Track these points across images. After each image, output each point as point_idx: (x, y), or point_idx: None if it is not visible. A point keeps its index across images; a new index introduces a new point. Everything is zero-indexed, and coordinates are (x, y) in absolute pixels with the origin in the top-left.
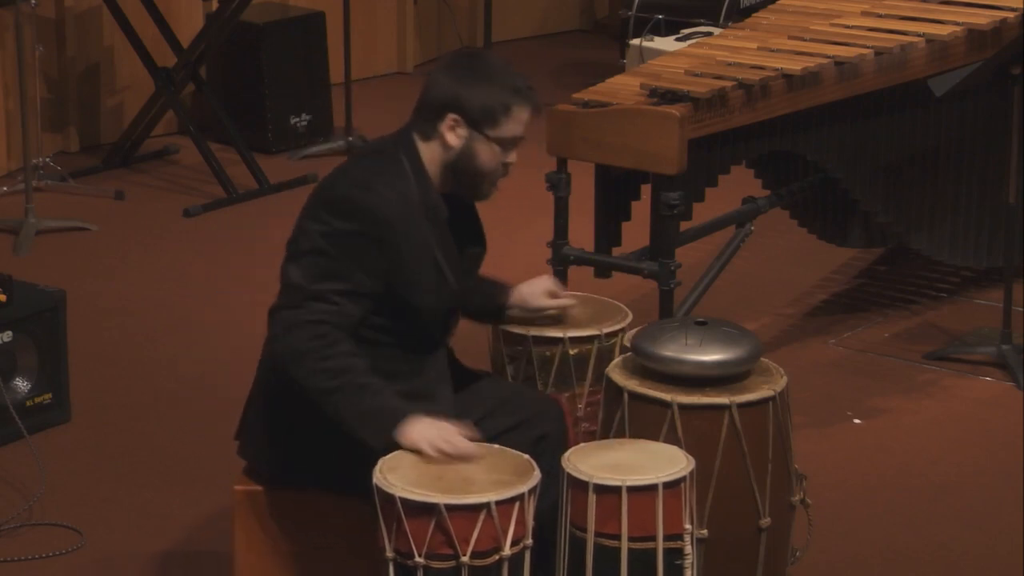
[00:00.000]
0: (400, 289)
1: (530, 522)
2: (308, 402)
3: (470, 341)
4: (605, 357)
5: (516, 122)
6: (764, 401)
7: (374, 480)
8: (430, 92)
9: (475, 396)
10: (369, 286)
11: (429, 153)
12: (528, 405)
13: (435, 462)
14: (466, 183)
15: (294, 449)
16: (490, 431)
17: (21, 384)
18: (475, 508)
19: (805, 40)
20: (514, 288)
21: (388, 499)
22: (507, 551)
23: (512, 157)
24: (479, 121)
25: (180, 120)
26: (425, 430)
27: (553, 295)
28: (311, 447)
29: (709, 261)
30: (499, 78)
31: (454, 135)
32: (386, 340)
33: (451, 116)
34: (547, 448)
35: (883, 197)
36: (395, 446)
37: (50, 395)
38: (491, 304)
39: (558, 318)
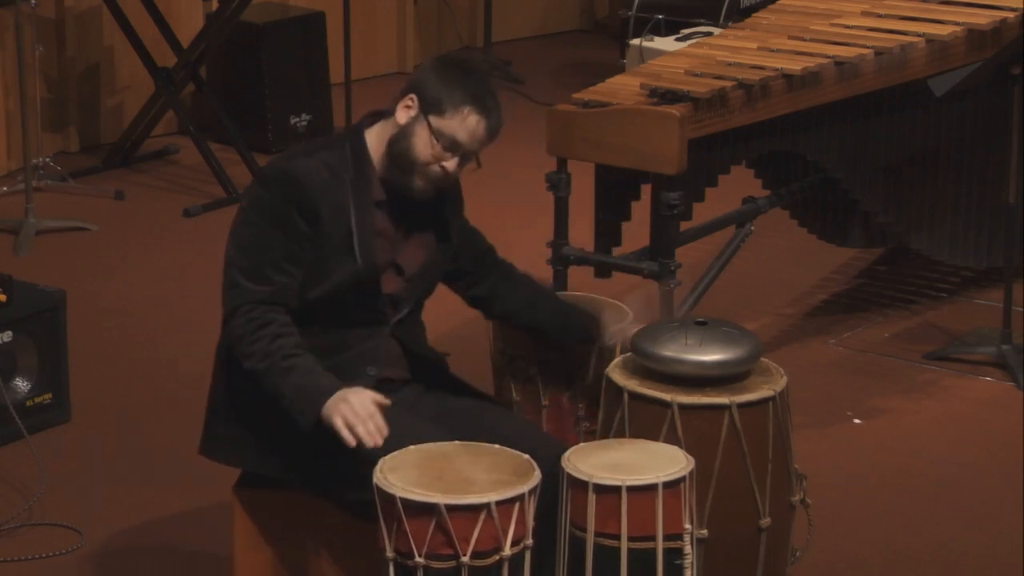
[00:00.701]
0: (314, 251)
1: (530, 522)
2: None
3: (470, 341)
4: (606, 356)
5: (461, 124)
6: (764, 401)
7: (374, 480)
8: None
9: (480, 427)
10: (296, 250)
11: (381, 133)
12: (531, 444)
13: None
14: (398, 165)
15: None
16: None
17: (21, 384)
18: (475, 508)
19: (805, 40)
20: (604, 325)
21: (388, 499)
22: (507, 551)
23: (451, 164)
24: (428, 105)
25: (180, 120)
26: (337, 407)
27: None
28: (256, 435)
29: (709, 261)
30: (471, 81)
31: (404, 113)
32: (305, 316)
33: (409, 95)
34: (543, 487)
35: (883, 197)
36: (321, 425)
37: (50, 395)
38: (575, 338)
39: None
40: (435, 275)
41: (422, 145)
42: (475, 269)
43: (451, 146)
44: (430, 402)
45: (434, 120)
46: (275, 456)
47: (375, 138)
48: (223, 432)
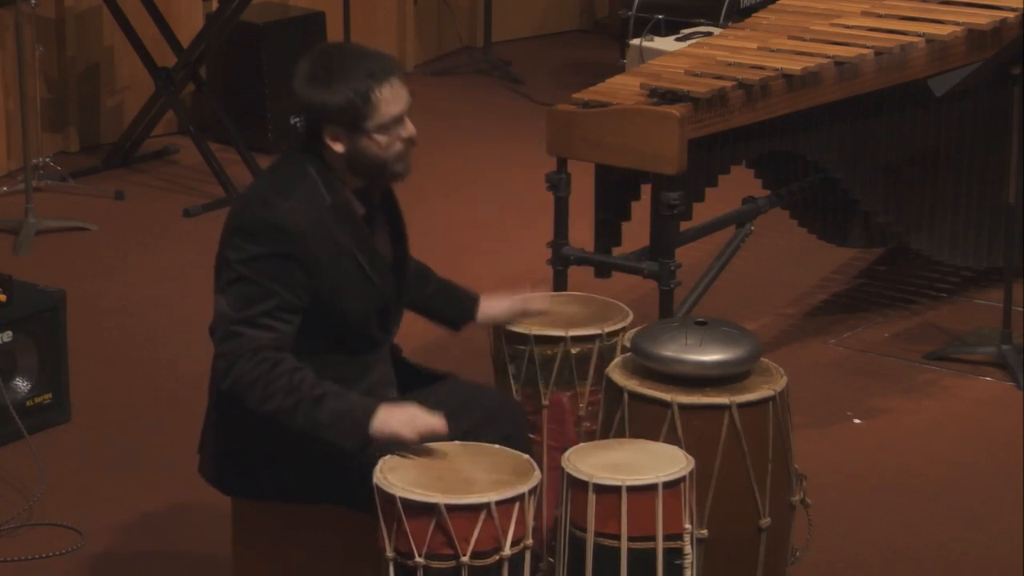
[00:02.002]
0: (325, 296)
1: (530, 522)
2: (257, 423)
3: (470, 341)
4: (606, 356)
5: (387, 103)
6: (764, 401)
7: (374, 480)
8: (301, 109)
9: (435, 397)
10: (296, 302)
11: (330, 158)
12: (489, 405)
13: (421, 455)
14: (373, 176)
15: (249, 466)
16: (452, 432)
17: (21, 384)
18: (475, 508)
19: (805, 40)
20: (481, 303)
21: (388, 499)
22: (507, 551)
23: (407, 130)
24: (350, 122)
25: (180, 120)
26: (399, 416)
27: (520, 313)
28: (266, 464)
29: (709, 261)
30: (352, 70)
31: (338, 143)
32: (323, 347)
33: (326, 128)
34: (511, 447)
35: (883, 197)
36: (370, 442)
37: (50, 395)
38: (453, 316)
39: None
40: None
41: (377, 148)
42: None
43: (397, 123)
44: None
45: (367, 124)
46: (278, 480)
47: (331, 163)
48: (223, 463)
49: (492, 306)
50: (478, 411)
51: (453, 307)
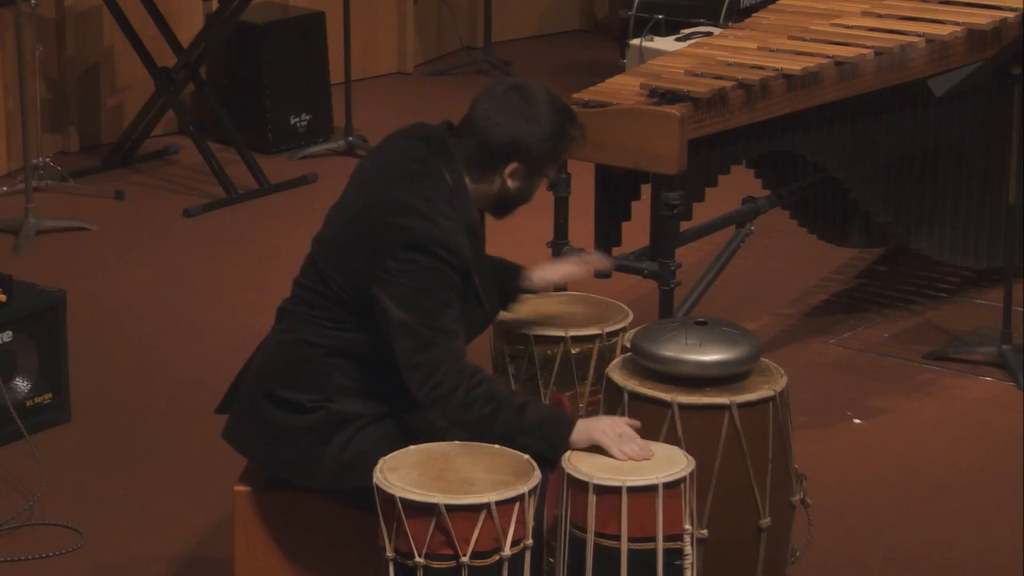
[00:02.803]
0: (472, 312)
1: (530, 522)
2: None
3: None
4: (606, 356)
5: (570, 146)
6: (764, 401)
7: (374, 480)
8: (489, 135)
9: None
10: (458, 310)
11: (477, 185)
12: None
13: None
14: (506, 211)
15: (282, 448)
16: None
17: (21, 384)
18: (475, 508)
19: (805, 40)
20: (533, 271)
21: (388, 499)
22: (507, 551)
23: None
24: (539, 164)
25: (180, 120)
26: (601, 424)
27: (583, 271)
28: (296, 449)
29: (709, 261)
30: (548, 112)
31: (513, 180)
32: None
33: (515, 164)
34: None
35: (883, 197)
36: (567, 448)
37: (50, 395)
38: (507, 287)
39: (559, 318)
40: None
41: (535, 188)
42: None
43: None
44: None
45: (549, 169)
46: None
47: (471, 186)
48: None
49: (548, 270)
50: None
51: (499, 280)
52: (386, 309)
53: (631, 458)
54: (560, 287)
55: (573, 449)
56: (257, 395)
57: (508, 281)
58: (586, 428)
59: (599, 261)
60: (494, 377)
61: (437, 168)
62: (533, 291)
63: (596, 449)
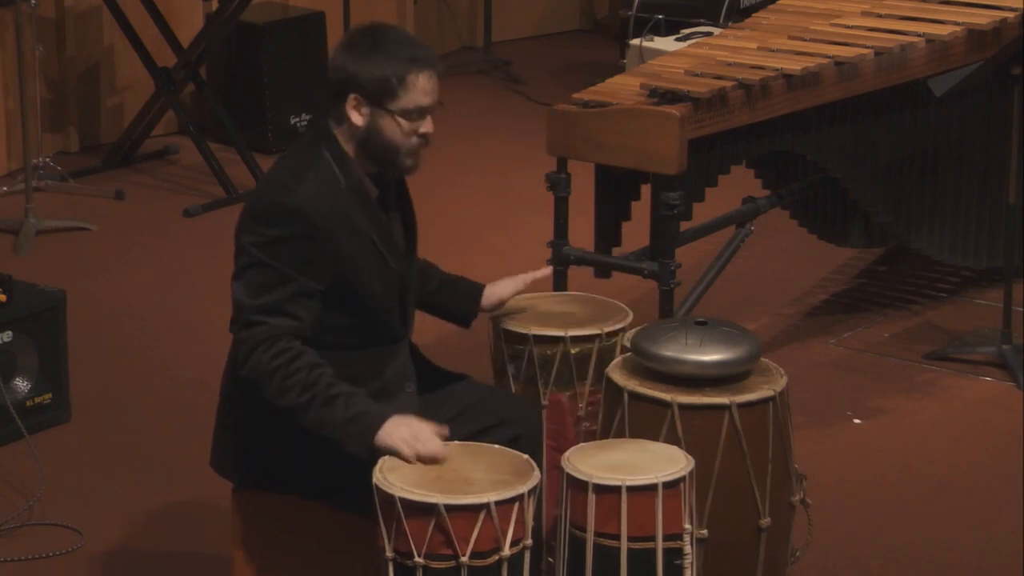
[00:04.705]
0: (345, 279)
1: (530, 522)
2: (268, 417)
3: (470, 340)
4: (606, 356)
5: (417, 91)
6: (764, 401)
7: (374, 480)
8: (331, 73)
9: (448, 397)
10: (314, 286)
11: (344, 136)
12: (503, 406)
13: (414, 464)
14: (381, 160)
15: (259, 460)
16: (463, 431)
17: (21, 384)
18: (475, 508)
19: (805, 40)
20: (485, 289)
21: (388, 499)
22: (507, 551)
23: (426, 126)
24: (377, 96)
25: (180, 120)
26: (396, 431)
27: (522, 287)
28: (275, 458)
29: (709, 261)
30: (394, 50)
31: (357, 114)
32: (343, 341)
33: (351, 96)
34: (521, 450)
35: (883, 197)
36: (378, 452)
37: (50, 395)
38: (461, 311)
39: (554, 315)
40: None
41: (394, 132)
42: None
43: (419, 114)
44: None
45: (391, 104)
46: (280, 471)
47: (343, 140)
48: (227, 451)
49: (496, 288)
50: (492, 412)
51: (460, 301)
52: (232, 285)
53: (421, 459)
54: (505, 301)
55: (378, 451)
56: (223, 403)
57: (467, 303)
58: (388, 433)
59: (540, 272)
60: (318, 364)
61: (312, 143)
62: (481, 310)
63: (598, 448)
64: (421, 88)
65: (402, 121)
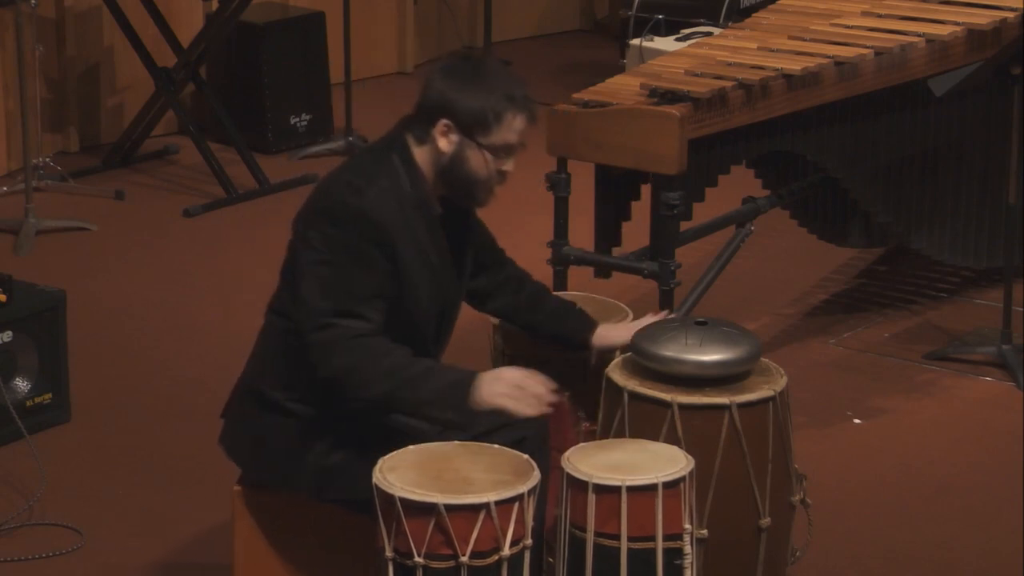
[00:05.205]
0: (398, 289)
1: (530, 522)
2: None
3: (470, 340)
4: (606, 356)
5: (508, 130)
6: (764, 401)
7: (374, 480)
8: (425, 94)
9: None
10: (382, 290)
11: (423, 155)
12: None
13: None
14: (459, 189)
15: (274, 454)
16: (470, 432)
17: (21, 384)
18: (474, 508)
19: (805, 40)
20: (599, 330)
21: (387, 499)
22: (507, 551)
23: (508, 165)
24: (470, 127)
25: (180, 120)
26: (493, 389)
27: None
28: (291, 454)
29: (709, 261)
30: (495, 84)
31: (446, 140)
32: None
33: (443, 121)
34: (526, 451)
35: (883, 197)
36: (477, 414)
37: (50, 395)
38: (565, 342)
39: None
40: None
41: (478, 165)
42: (483, 262)
43: (505, 152)
44: None
45: (482, 139)
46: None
47: (420, 158)
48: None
49: (610, 332)
50: (499, 413)
51: (565, 336)
52: (296, 282)
53: (529, 403)
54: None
55: (479, 409)
56: (243, 391)
57: (571, 338)
58: (487, 394)
59: (657, 317)
60: (392, 349)
61: (385, 151)
62: (592, 348)
63: (598, 448)
64: (515, 128)
65: (488, 156)
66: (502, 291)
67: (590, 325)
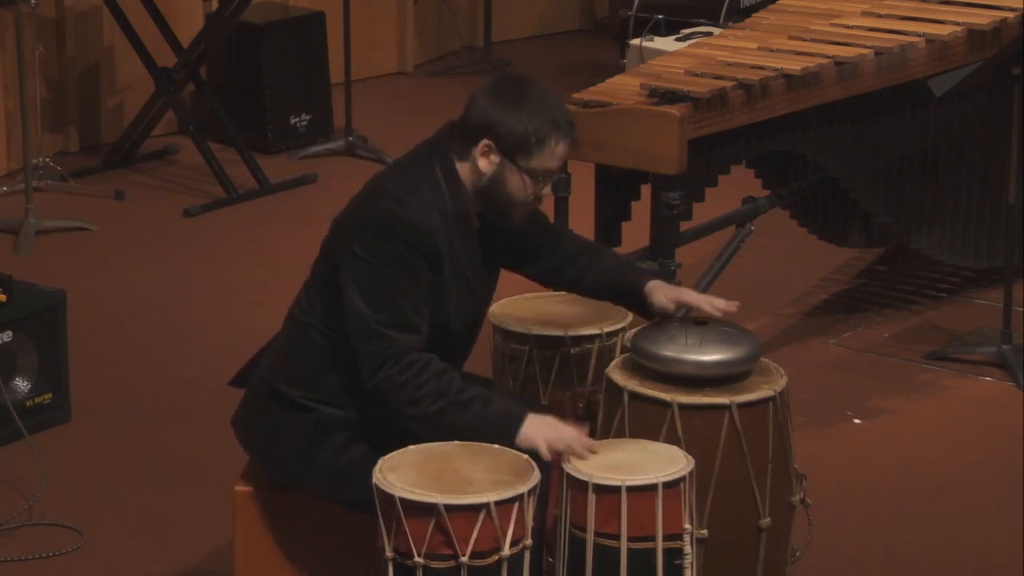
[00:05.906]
0: (433, 301)
1: (530, 522)
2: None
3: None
4: (606, 356)
5: (551, 156)
6: (764, 401)
7: (374, 480)
8: (469, 112)
9: None
10: (425, 298)
11: (463, 171)
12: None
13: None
14: (495, 209)
15: (287, 452)
16: None
17: (21, 384)
18: (474, 508)
19: (805, 40)
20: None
21: (387, 499)
22: (506, 551)
23: (546, 190)
24: (512, 150)
25: (180, 120)
26: (540, 432)
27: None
28: (298, 452)
29: (709, 261)
30: (539, 108)
31: (486, 160)
32: None
33: (485, 141)
34: (526, 451)
35: (883, 197)
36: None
37: (50, 395)
38: (629, 293)
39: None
40: None
41: (516, 188)
42: (542, 244)
43: (544, 176)
44: None
45: (523, 162)
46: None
47: (460, 173)
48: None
49: (673, 292)
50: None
51: (618, 297)
52: (345, 294)
53: (559, 453)
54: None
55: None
56: (262, 385)
57: (631, 285)
58: (532, 435)
59: (726, 305)
60: (447, 370)
61: (427, 162)
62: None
63: (599, 447)
64: (557, 154)
65: (527, 179)
66: (564, 269)
67: (642, 279)
